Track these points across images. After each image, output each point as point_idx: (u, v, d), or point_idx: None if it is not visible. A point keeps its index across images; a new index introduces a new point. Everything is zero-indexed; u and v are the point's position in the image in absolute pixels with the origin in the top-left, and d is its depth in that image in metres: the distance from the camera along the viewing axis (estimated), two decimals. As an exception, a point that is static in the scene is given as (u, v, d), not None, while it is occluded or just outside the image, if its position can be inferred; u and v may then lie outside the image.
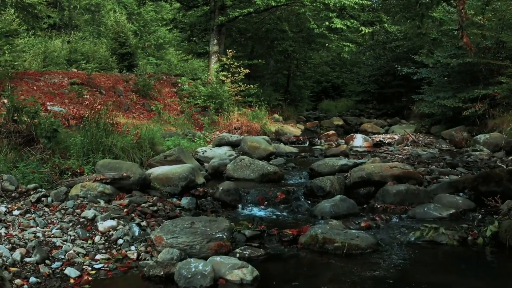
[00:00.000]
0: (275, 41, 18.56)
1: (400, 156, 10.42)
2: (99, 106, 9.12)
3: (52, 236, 4.94)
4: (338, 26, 14.77)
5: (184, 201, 6.43)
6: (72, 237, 4.98)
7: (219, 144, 10.65)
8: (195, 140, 10.63)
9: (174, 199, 6.71)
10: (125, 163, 6.72)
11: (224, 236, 4.70)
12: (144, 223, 5.51)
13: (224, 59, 15.55)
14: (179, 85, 16.16)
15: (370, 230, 5.79)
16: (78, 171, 7.15)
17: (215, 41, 16.72)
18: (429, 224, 5.68)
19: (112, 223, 5.19)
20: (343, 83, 27.88)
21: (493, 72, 14.20)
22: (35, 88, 13.43)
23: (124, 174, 6.36)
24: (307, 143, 13.56)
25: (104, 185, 6.23)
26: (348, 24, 15.00)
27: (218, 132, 13.67)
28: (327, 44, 17.19)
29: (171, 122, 13.22)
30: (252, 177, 7.87)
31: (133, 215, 5.75)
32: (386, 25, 15.94)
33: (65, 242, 4.83)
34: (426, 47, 13.16)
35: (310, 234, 5.17)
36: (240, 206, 6.62)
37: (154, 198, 6.30)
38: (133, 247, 4.85)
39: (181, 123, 13.41)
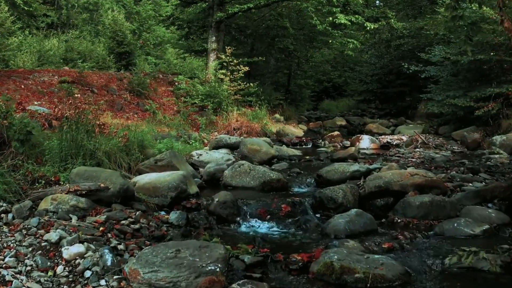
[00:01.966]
0: (275, 38, 17.41)
1: (413, 159, 9.31)
2: (83, 105, 7.99)
3: (4, 266, 3.83)
4: (342, 22, 13.65)
5: (173, 215, 5.32)
6: (29, 268, 3.87)
7: (216, 147, 9.53)
8: (191, 142, 9.52)
9: (162, 213, 5.61)
10: (104, 171, 5.61)
11: (218, 269, 3.59)
12: (121, 246, 4.40)
13: (223, 56, 14.42)
14: (176, 83, 15.03)
15: (394, 253, 4.70)
16: (53, 179, 6.06)
17: (214, 38, 15.60)
18: (467, 247, 4.58)
19: (80, 248, 4.08)
20: (344, 82, 26.69)
21: (505, 69, 13.08)
22: (22, 86, 12.32)
23: (102, 185, 5.25)
24: (310, 144, 12.46)
25: (78, 197, 5.12)
26: (352, 19, 13.88)
27: (216, 133, 12.57)
28: (330, 41, 16.03)
29: (166, 122, 12.11)
30: (253, 185, 6.76)
31: (109, 235, 4.65)
32: (392, 20, 14.81)
33: (18, 275, 3.73)
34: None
35: (324, 261, 4.07)
36: (238, 221, 5.51)
37: (137, 213, 5.19)
38: (103, 282, 3.74)
39: (177, 123, 12.30)
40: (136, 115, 12.90)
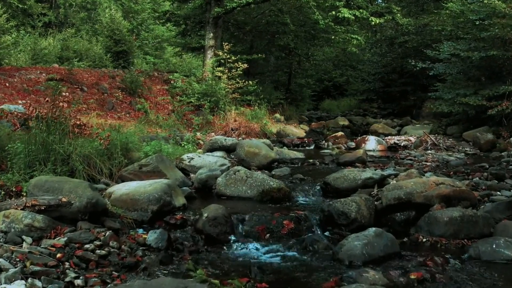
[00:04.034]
0: (276, 35, 16.30)
1: (427, 163, 8.23)
2: (61, 103, 6.91)
3: None
4: (345, 16, 12.56)
5: (152, 236, 4.24)
6: None
7: (211, 149, 8.45)
8: (183, 144, 8.44)
9: (140, 231, 4.54)
10: (69, 181, 4.53)
11: (197, 325, 2.52)
12: (79, 281, 3.34)
13: (220, 53, 13.34)
14: (172, 82, 13.96)
15: (425, 286, 3.64)
16: (14, 190, 5.00)
17: (211, 34, 14.49)
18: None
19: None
20: (346, 81, 25.52)
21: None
22: (7, 84, 11.28)
23: (63, 199, 4.18)
24: (313, 146, 11.38)
25: (34, 215, 4.06)
26: (356, 14, 12.78)
27: (213, 133, 11.51)
28: (332, 37, 14.90)
29: (159, 122, 11.05)
30: (250, 195, 5.68)
31: (67, 264, 3.59)
32: (398, 15, 13.73)
33: None
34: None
35: (340, 304, 3.00)
36: (231, 241, 4.44)
37: (107, 233, 4.11)
38: None
39: (171, 123, 11.24)
40: (128, 115, 11.85)
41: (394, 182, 5.58)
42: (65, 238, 3.93)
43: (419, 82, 18.57)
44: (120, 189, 5.02)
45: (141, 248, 4.11)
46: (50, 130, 5.74)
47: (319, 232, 4.66)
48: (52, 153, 5.65)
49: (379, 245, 4.10)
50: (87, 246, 3.87)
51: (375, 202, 5.11)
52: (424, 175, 6.23)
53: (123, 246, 4.02)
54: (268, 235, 4.54)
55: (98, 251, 3.82)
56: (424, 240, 4.59)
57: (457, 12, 13.80)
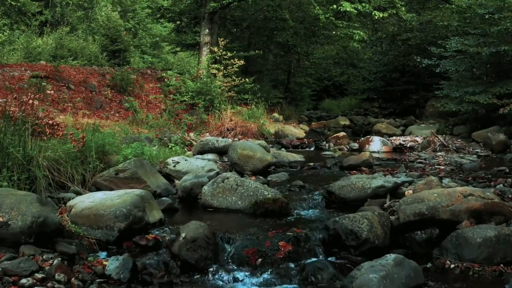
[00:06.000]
0: (274, 31, 15.30)
1: (440, 166, 7.25)
2: (30, 101, 5.96)
3: None
4: (347, 10, 11.58)
5: (113, 264, 3.28)
6: None
7: (202, 151, 7.49)
8: (170, 146, 7.47)
9: (103, 255, 3.60)
10: (11, 194, 3.56)
11: None
12: (-1, 337, 2.38)
13: (215, 49, 12.38)
14: (165, 79, 13.00)
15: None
16: (-45, 202, 4.04)
17: (207, 30, 13.53)
18: None
19: None
20: (346, 80, 24.49)
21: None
22: (-12, 82, 10.34)
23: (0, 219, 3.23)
24: (313, 147, 10.41)
25: (-39, 238, 3.11)
26: (359, 8, 11.80)
27: (207, 134, 10.55)
28: (334, 32, 13.90)
29: (148, 122, 10.09)
30: (240, 207, 4.72)
31: (-9, 309, 2.64)
32: (403, 8, 12.77)
33: None
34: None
35: None
36: (214, 269, 3.48)
37: (54, 262, 3.16)
38: None
39: (162, 123, 10.29)
40: (117, 114, 10.91)
41: (411, 192, 4.62)
42: (-2, 270, 2.98)
43: (422, 81, 17.63)
44: (83, 201, 4.06)
45: (97, 280, 3.15)
46: (6, 131, 4.79)
47: (322, 257, 3.70)
48: (9, 157, 4.71)
49: (399, 276, 3.14)
50: (24, 281, 2.91)
51: (390, 217, 4.14)
52: (442, 183, 5.27)
53: (73, 280, 3.07)
54: (260, 260, 3.57)
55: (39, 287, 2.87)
56: (452, 266, 3.63)
57: (464, 7, 12.85)
